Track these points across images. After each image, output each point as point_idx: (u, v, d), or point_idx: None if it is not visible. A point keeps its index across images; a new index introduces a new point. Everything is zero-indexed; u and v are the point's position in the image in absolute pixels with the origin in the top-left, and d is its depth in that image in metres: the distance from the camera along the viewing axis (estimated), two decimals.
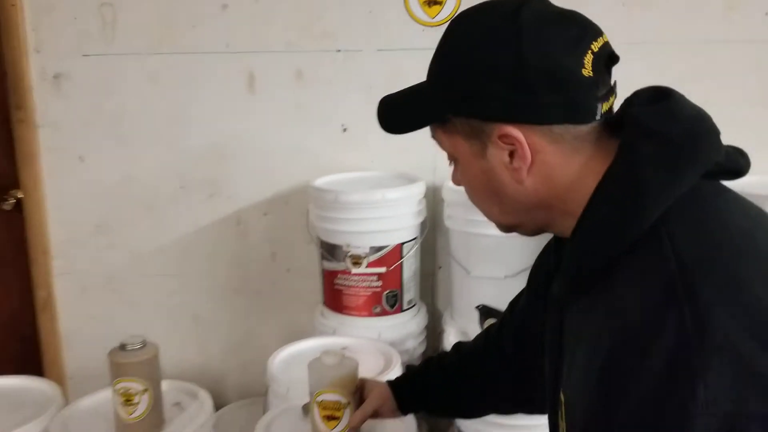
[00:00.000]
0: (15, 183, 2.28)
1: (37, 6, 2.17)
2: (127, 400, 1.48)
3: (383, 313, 1.96)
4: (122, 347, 1.49)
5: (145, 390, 1.49)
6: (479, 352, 1.29)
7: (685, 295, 0.67)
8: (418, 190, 1.96)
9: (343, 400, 1.34)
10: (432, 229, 2.11)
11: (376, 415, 1.35)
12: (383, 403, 1.33)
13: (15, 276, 2.36)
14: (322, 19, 2.08)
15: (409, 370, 1.41)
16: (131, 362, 1.48)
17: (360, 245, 1.90)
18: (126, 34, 2.16)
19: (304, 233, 2.09)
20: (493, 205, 0.92)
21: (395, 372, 1.76)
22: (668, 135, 0.76)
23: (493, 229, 1.80)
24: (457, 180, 0.95)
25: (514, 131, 0.80)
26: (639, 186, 0.75)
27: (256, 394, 2.18)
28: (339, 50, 2.09)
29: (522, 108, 0.80)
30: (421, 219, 1.99)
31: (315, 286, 2.13)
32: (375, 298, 1.94)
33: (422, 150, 2.07)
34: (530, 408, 1.25)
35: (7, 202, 2.28)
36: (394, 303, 1.96)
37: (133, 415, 1.49)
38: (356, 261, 1.91)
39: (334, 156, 2.14)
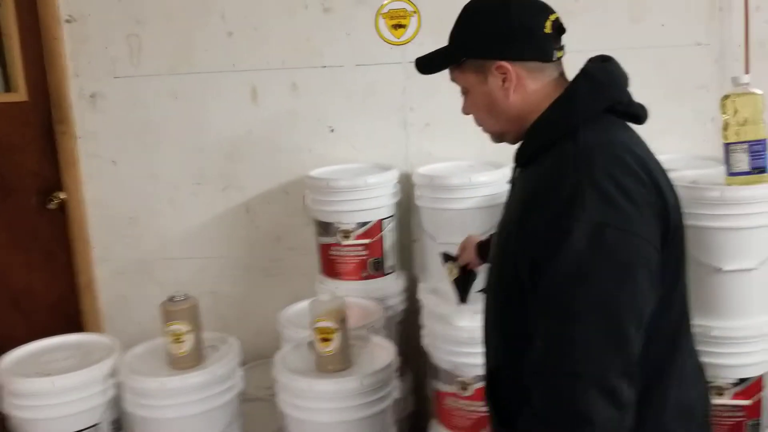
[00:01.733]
0: (58, 186, 2.71)
1: (74, 38, 2.61)
2: (177, 338, 1.93)
3: (369, 276, 2.41)
4: (170, 299, 1.95)
5: (190, 330, 1.94)
6: None
7: (581, 165, 1.14)
8: (392, 175, 2.42)
9: (334, 326, 1.83)
10: (407, 210, 2.56)
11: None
12: (470, 249, 1.79)
13: (60, 265, 2.79)
14: (310, 41, 2.54)
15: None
16: (179, 309, 1.93)
17: (348, 221, 2.36)
18: (150, 59, 2.61)
19: (303, 217, 2.55)
20: (489, 118, 1.33)
21: (380, 320, 2.23)
22: (596, 78, 1.26)
23: (452, 204, 2.34)
24: (466, 109, 1.36)
25: (506, 65, 1.25)
26: (572, 99, 1.23)
27: (268, 356, 2.57)
28: (325, 66, 2.55)
29: (511, 50, 1.26)
30: (396, 199, 2.45)
31: (313, 262, 2.56)
32: (362, 264, 2.40)
33: (395, 144, 2.55)
34: None
35: (52, 203, 2.72)
36: (377, 268, 2.42)
37: (182, 351, 1.94)
38: (346, 235, 2.37)
39: (323, 152, 2.58)
